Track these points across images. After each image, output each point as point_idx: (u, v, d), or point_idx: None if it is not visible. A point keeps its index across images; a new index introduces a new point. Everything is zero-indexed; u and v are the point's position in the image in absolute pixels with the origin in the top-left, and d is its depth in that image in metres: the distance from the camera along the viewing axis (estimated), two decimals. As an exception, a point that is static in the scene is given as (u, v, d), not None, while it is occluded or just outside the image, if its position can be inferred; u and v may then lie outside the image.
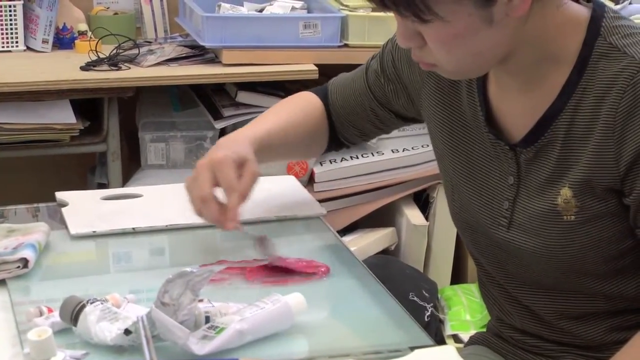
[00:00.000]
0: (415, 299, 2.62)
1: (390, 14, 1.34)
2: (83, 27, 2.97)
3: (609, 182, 1.35)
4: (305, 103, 1.74)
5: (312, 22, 2.82)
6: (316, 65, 2.77)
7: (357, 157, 2.89)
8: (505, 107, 1.45)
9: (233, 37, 2.76)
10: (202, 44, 2.78)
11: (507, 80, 1.43)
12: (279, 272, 1.52)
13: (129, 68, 2.76)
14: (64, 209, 1.73)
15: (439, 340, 2.60)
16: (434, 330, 2.65)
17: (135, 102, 3.00)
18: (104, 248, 1.66)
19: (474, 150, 1.50)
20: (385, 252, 2.89)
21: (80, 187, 2.35)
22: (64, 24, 2.97)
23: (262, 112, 2.76)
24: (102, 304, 1.32)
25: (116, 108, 2.78)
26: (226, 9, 2.91)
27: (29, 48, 2.95)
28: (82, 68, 2.74)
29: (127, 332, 1.28)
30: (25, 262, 1.50)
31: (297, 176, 2.60)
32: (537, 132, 1.41)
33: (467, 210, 1.53)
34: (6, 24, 2.91)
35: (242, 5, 2.99)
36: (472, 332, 2.40)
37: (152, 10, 3.10)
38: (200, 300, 1.35)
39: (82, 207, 1.74)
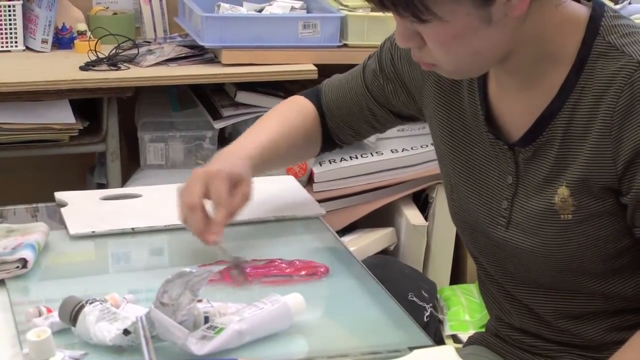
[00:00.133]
0: (415, 299, 2.62)
1: (390, 14, 1.34)
2: (82, 27, 2.97)
3: (606, 181, 1.36)
4: (297, 108, 1.74)
5: (312, 22, 2.82)
6: (315, 65, 2.77)
7: (357, 157, 2.89)
8: (505, 107, 1.46)
9: (232, 37, 2.76)
10: (201, 44, 2.78)
11: (506, 79, 1.43)
12: (267, 273, 1.52)
13: (128, 68, 2.76)
14: (63, 209, 1.73)
15: (438, 340, 2.60)
16: (433, 331, 2.65)
17: (135, 102, 3.00)
18: (103, 248, 1.66)
19: (474, 149, 1.50)
20: (384, 252, 2.89)
21: (79, 187, 2.35)
22: (63, 23, 2.97)
23: (261, 112, 2.81)
24: (101, 304, 1.32)
25: (115, 108, 2.78)
26: (225, 9, 2.91)
27: (28, 48, 2.95)
28: (82, 68, 2.74)
29: (126, 332, 1.28)
30: (24, 262, 1.50)
31: (296, 176, 2.60)
32: (535, 132, 1.41)
33: (466, 209, 1.53)
34: (5, 24, 2.91)
35: (242, 5, 2.99)
36: (471, 332, 2.40)
37: (152, 10, 3.10)
38: (200, 301, 1.35)
39: (82, 207, 1.74)
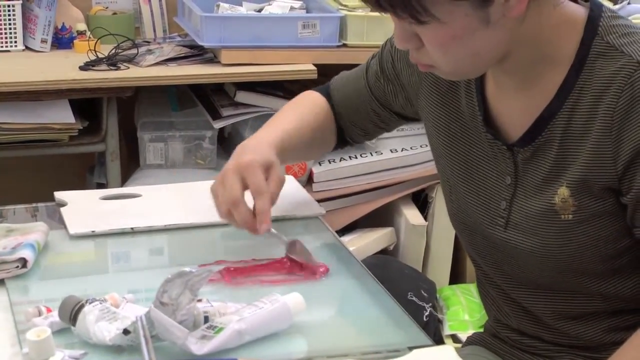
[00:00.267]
0: (414, 298, 2.62)
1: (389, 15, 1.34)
2: (82, 26, 2.98)
3: (606, 181, 1.36)
4: (313, 104, 1.74)
5: (311, 22, 2.82)
6: (315, 65, 2.77)
7: (356, 157, 2.89)
8: (503, 107, 1.46)
9: (232, 37, 2.76)
10: (201, 43, 2.78)
11: (505, 80, 1.43)
12: (256, 272, 1.52)
13: (128, 68, 2.76)
14: (62, 209, 1.73)
15: (438, 340, 2.60)
16: (433, 330, 2.65)
17: (134, 102, 3.00)
18: (103, 248, 1.66)
19: (472, 150, 1.50)
20: (384, 252, 2.89)
21: (79, 187, 2.35)
22: (63, 23, 2.97)
23: (261, 112, 2.82)
24: (100, 303, 1.32)
25: (115, 108, 2.78)
26: (225, 9, 2.91)
27: (27, 48, 2.95)
28: (81, 68, 2.74)
29: (125, 332, 1.28)
30: (24, 261, 1.50)
31: (295, 176, 2.60)
32: (534, 132, 1.41)
33: (465, 210, 1.53)
34: (5, 24, 2.91)
35: (241, 5, 2.99)
36: (471, 332, 2.40)
37: (151, 10, 3.11)
38: (199, 300, 1.35)
39: (81, 207, 1.74)
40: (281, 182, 1.57)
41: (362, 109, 1.71)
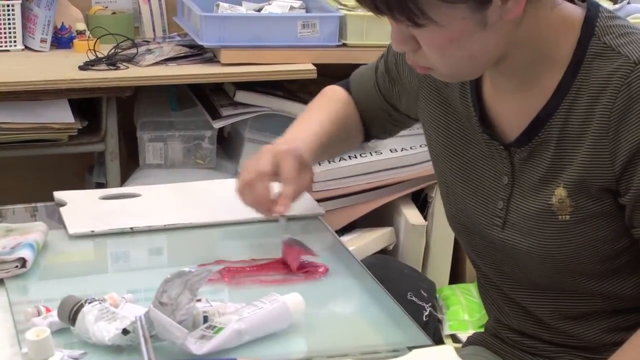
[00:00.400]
0: (414, 298, 2.62)
1: (388, 16, 1.34)
2: (81, 26, 2.97)
3: (603, 182, 1.35)
4: (339, 99, 1.75)
5: (311, 22, 2.82)
6: (314, 64, 2.77)
7: (356, 157, 2.89)
8: (500, 107, 1.46)
9: (231, 37, 2.76)
10: (200, 43, 2.78)
11: (502, 81, 1.43)
12: (256, 272, 1.52)
13: (127, 67, 2.76)
14: (62, 209, 1.73)
15: (437, 340, 2.60)
16: (432, 330, 2.65)
17: (134, 102, 3.00)
18: (102, 248, 1.66)
19: (469, 150, 1.50)
20: (383, 251, 2.89)
21: (78, 186, 2.35)
22: (62, 23, 2.97)
23: (260, 111, 2.82)
24: (100, 303, 1.32)
25: (114, 107, 2.78)
26: (224, 9, 2.91)
27: (27, 47, 2.95)
28: (81, 67, 2.73)
29: (125, 331, 1.28)
30: (23, 261, 1.50)
31: (295, 176, 2.60)
32: (531, 132, 1.41)
33: (462, 211, 1.53)
34: (4, 24, 2.90)
35: (241, 5, 2.99)
36: (471, 331, 2.41)
37: (151, 10, 3.10)
38: (199, 300, 1.35)
39: (81, 207, 1.74)
40: (309, 184, 1.60)
41: (376, 108, 1.72)
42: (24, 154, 2.78)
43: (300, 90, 2.92)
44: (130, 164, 2.97)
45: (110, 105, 2.77)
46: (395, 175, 2.90)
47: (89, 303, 1.32)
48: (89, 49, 2.80)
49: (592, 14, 1.38)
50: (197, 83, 2.88)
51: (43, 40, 2.92)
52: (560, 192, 1.39)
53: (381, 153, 2.91)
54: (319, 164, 2.85)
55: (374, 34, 2.78)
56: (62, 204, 1.75)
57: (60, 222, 1.69)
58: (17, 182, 3.11)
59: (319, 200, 1.98)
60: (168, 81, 2.78)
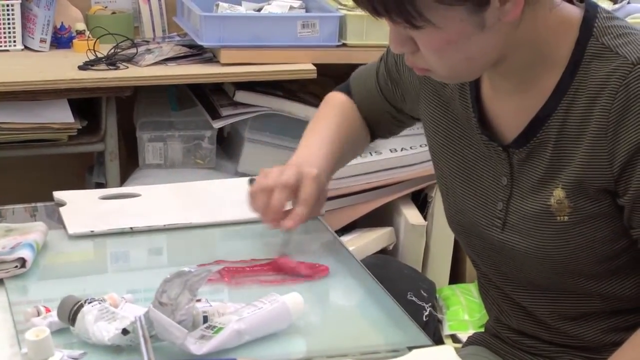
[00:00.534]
0: (414, 298, 2.62)
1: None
2: (81, 26, 2.97)
3: (602, 183, 1.35)
4: (344, 107, 1.75)
5: (310, 22, 2.81)
6: (314, 64, 2.77)
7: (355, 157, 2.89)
8: (498, 109, 1.45)
9: (231, 37, 2.76)
10: (200, 43, 2.78)
11: (500, 82, 1.43)
12: (254, 272, 1.52)
13: (127, 67, 2.76)
14: (61, 209, 1.73)
15: (437, 340, 2.60)
16: (432, 330, 2.65)
17: (133, 102, 3.00)
18: (102, 248, 1.66)
19: (468, 151, 1.50)
20: (383, 251, 2.89)
21: (78, 186, 2.35)
22: (62, 23, 2.97)
23: (260, 111, 2.82)
24: (99, 303, 1.32)
25: (114, 107, 2.78)
26: (224, 9, 2.91)
27: (26, 47, 2.95)
28: (80, 67, 2.73)
29: (124, 332, 1.28)
30: (22, 261, 1.50)
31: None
32: (529, 133, 1.40)
33: (462, 212, 1.52)
34: (4, 23, 2.91)
35: (240, 5, 2.99)
36: (471, 331, 2.41)
37: (150, 10, 3.10)
38: (198, 300, 1.35)
39: (80, 207, 1.74)
40: (319, 212, 1.62)
41: (378, 110, 1.72)
42: (24, 154, 2.79)
43: (300, 90, 2.92)
44: (130, 164, 2.97)
45: (109, 105, 2.77)
46: (395, 175, 2.91)
47: (89, 303, 1.32)
48: (89, 49, 2.80)
49: (591, 15, 1.38)
50: (196, 83, 2.88)
51: (42, 40, 2.93)
52: (558, 193, 1.39)
53: (381, 153, 2.91)
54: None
55: (374, 34, 2.78)
56: (62, 204, 1.74)
57: (59, 222, 1.69)
58: (17, 182, 3.11)
59: (318, 200, 1.97)
60: (168, 81, 2.78)
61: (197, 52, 2.84)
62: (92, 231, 1.65)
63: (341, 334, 1.41)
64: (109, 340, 1.29)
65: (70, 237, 1.65)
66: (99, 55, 2.79)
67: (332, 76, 2.74)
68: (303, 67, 2.77)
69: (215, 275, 1.49)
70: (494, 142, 1.45)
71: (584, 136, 1.35)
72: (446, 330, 2.73)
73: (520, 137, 1.42)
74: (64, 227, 1.66)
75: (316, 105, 1.88)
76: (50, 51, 2.94)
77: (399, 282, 2.60)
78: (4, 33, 2.91)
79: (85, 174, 3.11)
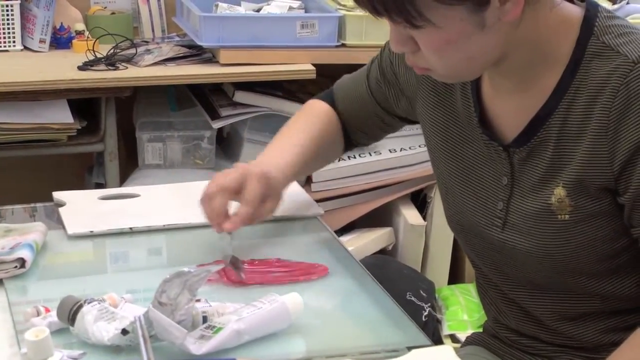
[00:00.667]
0: (413, 298, 2.62)
1: (387, 16, 1.34)
2: (80, 26, 2.97)
3: (602, 182, 1.35)
4: (320, 115, 1.74)
5: (310, 22, 2.82)
6: (314, 65, 2.77)
7: (355, 157, 2.89)
8: (499, 108, 1.46)
9: (230, 37, 2.76)
10: (199, 43, 2.78)
11: (501, 81, 1.43)
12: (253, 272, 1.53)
13: (127, 68, 2.76)
14: (61, 209, 1.73)
15: (437, 340, 2.60)
16: (432, 330, 2.65)
17: (133, 102, 3.00)
18: (102, 248, 1.66)
19: (468, 151, 1.50)
20: (382, 252, 2.89)
21: (77, 187, 2.35)
22: (61, 23, 2.97)
23: (259, 111, 2.82)
24: (99, 303, 1.32)
25: (113, 108, 2.78)
26: (223, 9, 2.91)
27: (26, 48, 2.95)
28: (80, 68, 2.73)
29: (124, 332, 1.28)
30: (22, 262, 1.50)
31: (294, 176, 2.60)
32: (529, 132, 1.41)
33: (462, 211, 1.52)
34: (3, 24, 2.91)
35: (240, 5, 2.99)
36: (470, 331, 2.41)
37: (150, 10, 3.10)
38: (198, 300, 1.35)
39: (80, 207, 1.74)
40: (268, 213, 1.59)
41: (366, 114, 1.72)
42: (23, 154, 2.78)
43: (300, 91, 2.92)
44: (129, 164, 2.97)
45: (109, 106, 2.77)
46: (394, 175, 2.91)
47: (88, 303, 1.32)
48: (88, 49, 2.80)
49: (591, 14, 1.38)
50: (196, 83, 2.88)
51: (42, 41, 2.93)
52: (559, 192, 1.39)
53: (380, 153, 2.91)
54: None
55: (373, 34, 2.78)
56: (61, 204, 1.75)
57: (59, 223, 1.69)
58: (16, 183, 3.11)
59: (318, 201, 1.98)
60: (167, 81, 2.78)
61: (196, 53, 2.84)
62: (91, 231, 1.65)
63: (340, 334, 1.42)
64: (108, 340, 1.29)
65: (70, 238, 1.65)
66: (99, 55, 2.79)
67: (331, 76, 2.73)
68: (302, 67, 2.77)
69: (214, 275, 1.49)
70: (494, 142, 1.45)
71: (584, 135, 1.36)
72: (445, 330, 2.73)
73: (521, 136, 1.42)
74: (64, 228, 1.67)
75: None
76: (50, 51, 2.94)
77: (398, 282, 2.60)
78: (4, 33, 2.91)
79: (84, 174, 3.11)
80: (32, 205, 1.80)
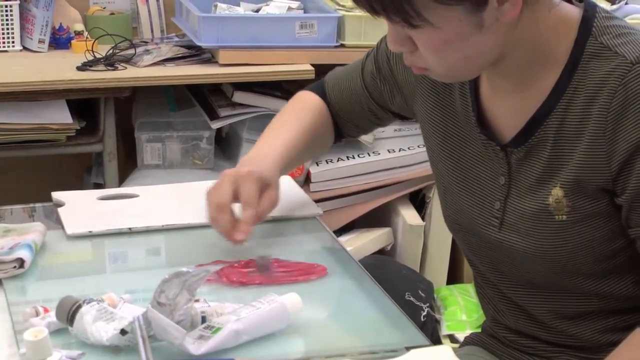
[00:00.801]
0: (412, 299, 2.62)
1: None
2: (79, 27, 2.97)
3: (600, 182, 1.35)
4: (310, 106, 1.75)
5: (309, 22, 2.82)
6: (312, 65, 2.77)
7: (353, 157, 2.90)
8: (497, 108, 1.46)
9: (229, 37, 2.76)
10: (198, 44, 2.78)
11: (499, 82, 1.43)
12: (252, 272, 1.53)
13: (126, 68, 2.76)
14: (60, 209, 1.73)
15: (435, 340, 2.60)
16: (430, 330, 2.65)
17: (132, 102, 3.00)
18: (100, 248, 1.66)
19: (466, 150, 1.50)
20: (381, 252, 2.90)
21: (76, 187, 2.35)
22: (60, 24, 2.97)
23: (258, 112, 2.82)
24: (98, 304, 1.32)
25: (112, 108, 2.78)
26: (222, 9, 2.91)
27: (25, 48, 2.95)
28: (79, 68, 2.73)
29: (123, 332, 1.28)
30: (21, 262, 1.50)
31: (293, 176, 2.60)
32: (527, 132, 1.41)
33: (459, 211, 1.53)
34: (2, 24, 2.91)
35: (239, 5, 2.99)
36: (468, 332, 2.41)
37: (149, 10, 3.10)
38: (197, 300, 1.35)
39: (79, 207, 1.74)
40: (273, 203, 1.60)
41: (358, 107, 1.72)
42: (22, 155, 2.79)
43: (298, 91, 2.91)
44: (128, 165, 2.97)
45: (108, 106, 2.77)
46: (393, 175, 2.91)
47: (87, 303, 1.32)
48: (87, 50, 2.80)
49: (590, 14, 1.38)
50: (195, 83, 2.88)
51: (41, 41, 2.93)
52: (557, 192, 1.39)
53: (379, 153, 2.91)
54: (317, 164, 2.86)
55: (372, 34, 2.78)
56: (60, 205, 1.75)
57: (58, 223, 1.69)
58: (15, 183, 3.11)
59: (316, 201, 1.98)
60: (166, 82, 2.78)
61: (195, 53, 2.84)
62: (90, 231, 1.65)
63: (339, 334, 1.42)
64: (107, 340, 1.29)
65: (69, 238, 1.65)
66: (98, 55, 2.80)
67: (330, 77, 2.74)
68: (301, 67, 2.78)
69: (213, 275, 1.49)
70: (492, 141, 1.45)
71: (582, 135, 1.36)
72: (444, 331, 2.74)
73: (519, 136, 1.42)
74: (63, 228, 1.67)
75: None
76: (49, 52, 2.94)
77: (397, 283, 2.60)
78: (3, 34, 2.91)
79: (83, 174, 3.11)
80: (31, 205, 1.79)
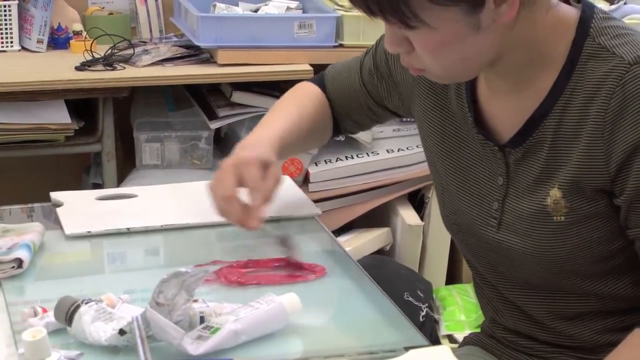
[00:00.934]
0: (410, 299, 2.62)
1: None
2: (78, 27, 2.97)
3: (598, 183, 1.35)
4: (310, 96, 1.75)
5: (307, 22, 2.82)
6: (311, 65, 2.77)
7: (352, 157, 2.90)
8: (495, 108, 1.46)
9: (228, 37, 2.76)
10: (197, 44, 2.78)
11: (497, 82, 1.43)
12: (250, 272, 1.53)
13: (124, 68, 2.76)
14: (58, 209, 1.73)
15: (434, 340, 2.60)
16: (429, 331, 2.65)
17: (130, 102, 3.00)
18: (99, 248, 1.66)
19: (464, 151, 1.50)
20: (380, 252, 2.89)
21: (75, 187, 2.35)
22: (59, 24, 2.97)
23: (257, 112, 2.82)
24: (96, 304, 1.32)
25: (111, 108, 2.78)
26: (221, 9, 2.91)
27: (23, 48, 2.95)
28: (77, 68, 2.73)
29: (121, 332, 1.28)
30: (19, 262, 1.50)
31: (292, 176, 2.60)
32: (525, 133, 1.41)
33: (457, 211, 1.53)
34: (1, 24, 2.90)
35: (237, 5, 2.99)
36: (467, 332, 2.40)
37: (147, 10, 3.10)
38: (195, 301, 1.35)
39: (77, 208, 1.74)
40: (277, 181, 1.58)
41: (356, 104, 1.72)
42: (21, 155, 2.78)
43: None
44: (127, 165, 2.97)
45: (106, 106, 2.77)
46: (392, 175, 2.91)
47: (86, 303, 1.32)
48: (86, 50, 2.80)
49: (587, 15, 1.38)
50: (193, 83, 2.88)
51: (40, 41, 2.92)
52: (555, 193, 1.39)
53: (378, 154, 2.91)
54: (316, 165, 2.86)
55: (371, 34, 2.78)
56: (59, 205, 1.74)
57: (56, 223, 1.69)
58: (14, 183, 3.11)
59: (315, 201, 1.98)
60: (165, 82, 2.78)
61: (194, 53, 2.84)
62: (89, 232, 1.65)
63: (338, 334, 1.42)
64: (105, 340, 1.29)
65: (67, 238, 1.64)
66: (96, 55, 2.79)
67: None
68: (300, 67, 2.77)
69: (212, 275, 1.49)
70: (490, 142, 1.45)
71: (580, 136, 1.36)
72: (443, 331, 2.73)
73: (517, 136, 1.42)
74: (61, 228, 1.66)
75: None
76: (47, 52, 2.94)
77: (396, 283, 2.60)
78: (1, 34, 2.91)
79: (82, 174, 3.10)
80: (30, 205, 1.79)
